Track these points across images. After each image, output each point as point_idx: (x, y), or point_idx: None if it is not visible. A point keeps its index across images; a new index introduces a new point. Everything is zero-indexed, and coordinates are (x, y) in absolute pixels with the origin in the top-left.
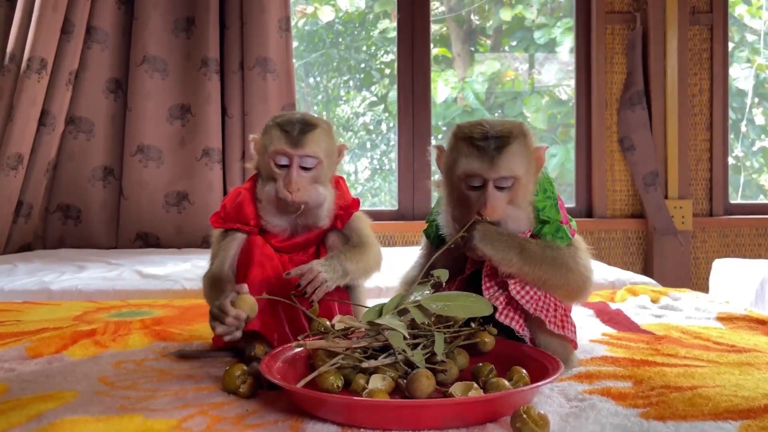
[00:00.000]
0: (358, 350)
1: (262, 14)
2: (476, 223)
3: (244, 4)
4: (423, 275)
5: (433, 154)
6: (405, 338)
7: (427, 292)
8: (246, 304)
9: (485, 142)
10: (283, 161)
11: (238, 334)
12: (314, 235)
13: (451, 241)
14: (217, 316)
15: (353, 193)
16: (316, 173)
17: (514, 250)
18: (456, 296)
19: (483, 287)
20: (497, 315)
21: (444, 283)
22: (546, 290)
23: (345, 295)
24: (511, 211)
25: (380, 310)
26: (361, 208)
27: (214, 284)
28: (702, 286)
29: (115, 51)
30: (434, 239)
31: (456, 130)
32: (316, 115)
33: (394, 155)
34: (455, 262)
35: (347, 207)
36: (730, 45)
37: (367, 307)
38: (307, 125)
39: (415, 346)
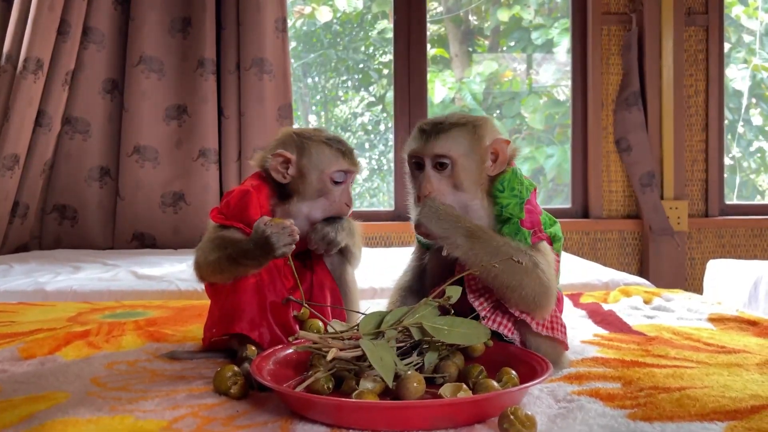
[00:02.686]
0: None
1: (259, 15)
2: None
3: (240, 5)
4: (437, 292)
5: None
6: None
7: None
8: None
9: (428, 126)
10: (341, 178)
11: (296, 238)
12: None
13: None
14: (276, 227)
15: (352, 193)
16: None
17: (460, 231)
18: (457, 322)
19: (467, 290)
20: (484, 321)
21: (452, 308)
22: (499, 291)
23: (338, 297)
24: (462, 201)
25: (379, 322)
26: (357, 209)
27: (230, 243)
28: (697, 286)
29: (112, 51)
30: (425, 242)
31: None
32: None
33: (392, 155)
34: (446, 265)
35: None
36: (727, 46)
37: (360, 313)
38: (348, 144)
39: (409, 352)
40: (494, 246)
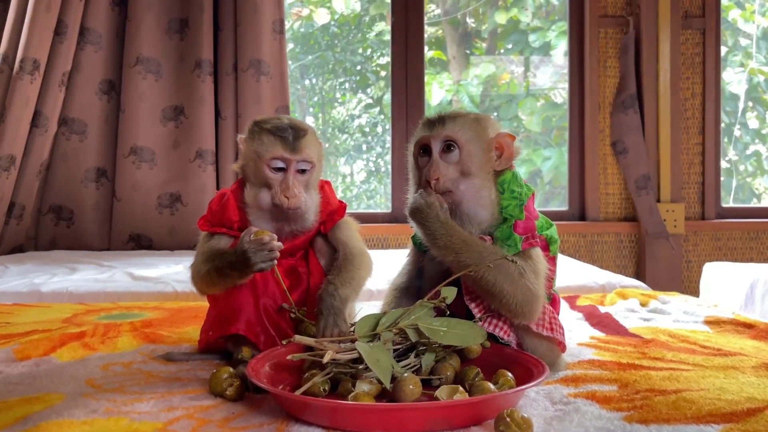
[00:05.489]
0: (346, 353)
1: (256, 16)
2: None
3: (238, 6)
4: (432, 294)
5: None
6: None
7: (429, 310)
8: (267, 233)
9: (434, 116)
10: (280, 165)
11: (277, 255)
12: (300, 241)
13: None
14: (255, 243)
15: (350, 195)
16: (308, 178)
17: (444, 230)
18: (453, 323)
19: (464, 292)
20: (481, 323)
21: (447, 307)
22: (483, 296)
23: None
24: (473, 186)
25: (375, 324)
26: (354, 210)
27: (217, 255)
28: (694, 289)
29: (109, 52)
30: (420, 245)
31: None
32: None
33: (389, 157)
34: (442, 267)
35: (332, 212)
36: (724, 49)
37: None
38: (299, 130)
39: (405, 354)
40: (478, 251)
